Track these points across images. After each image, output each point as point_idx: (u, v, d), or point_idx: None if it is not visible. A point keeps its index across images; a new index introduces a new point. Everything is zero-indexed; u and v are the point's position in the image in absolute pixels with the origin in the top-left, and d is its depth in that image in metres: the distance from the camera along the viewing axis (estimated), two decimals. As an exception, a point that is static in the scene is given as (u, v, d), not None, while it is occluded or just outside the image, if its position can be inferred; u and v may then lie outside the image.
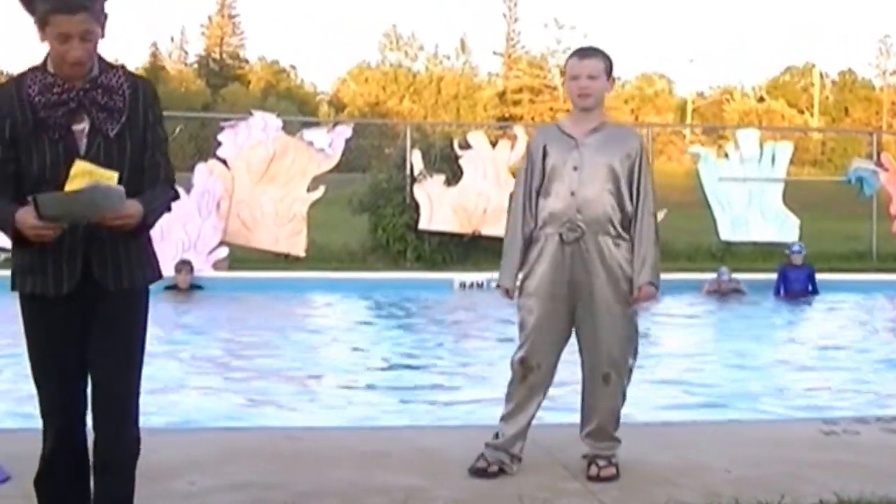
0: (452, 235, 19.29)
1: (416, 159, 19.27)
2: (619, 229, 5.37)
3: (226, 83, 71.67)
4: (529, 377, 5.48)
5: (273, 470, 5.48)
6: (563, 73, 5.84)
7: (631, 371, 5.53)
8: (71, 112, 3.70)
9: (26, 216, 3.55)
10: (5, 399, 8.40)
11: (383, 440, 6.29)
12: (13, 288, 3.86)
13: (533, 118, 68.43)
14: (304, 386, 9.51)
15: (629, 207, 5.39)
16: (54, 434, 3.94)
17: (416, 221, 19.22)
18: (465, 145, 19.50)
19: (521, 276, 5.54)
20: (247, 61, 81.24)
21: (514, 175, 19.43)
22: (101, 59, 3.79)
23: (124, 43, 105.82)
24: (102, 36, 3.74)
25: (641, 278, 5.33)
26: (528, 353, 5.47)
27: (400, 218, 19.55)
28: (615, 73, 5.50)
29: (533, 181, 5.47)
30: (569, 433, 5.84)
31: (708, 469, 5.57)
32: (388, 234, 19.73)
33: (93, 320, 3.84)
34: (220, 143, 18.32)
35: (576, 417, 5.72)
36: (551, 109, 71.85)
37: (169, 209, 3.95)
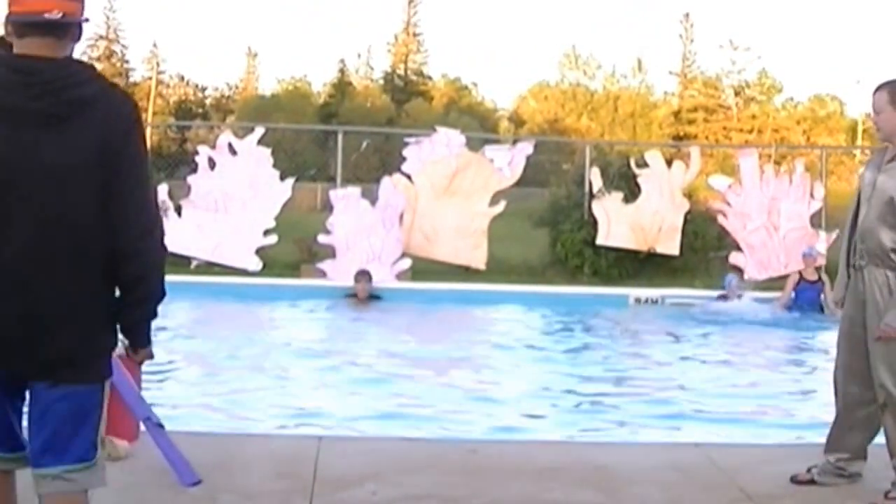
0: (628, 252, 19.20)
1: (594, 177, 19.25)
2: None
3: (409, 98, 72.63)
4: (838, 396, 5.61)
5: (451, 482, 5.59)
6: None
7: None
8: None
9: None
10: (193, 403, 8.57)
11: (557, 454, 6.37)
12: None
13: (707, 137, 67.76)
14: (479, 397, 9.55)
15: None
16: None
17: (594, 237, 19.21)
18: (643, 164, 19.39)
19: None
20: (430, 78, 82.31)
21: (688, 196, 19.38)
22: None
23: (314, 59, 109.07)
24: None
25: (888, 317, 5.24)
26: (834, 373, 5.64)
27: (578, 233, 19.54)
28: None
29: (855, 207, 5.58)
30: (749, 454, 5.80)
31: None
32: (566, 249, 19.73)
33: None
34: (404, 159, 18.62)
35: (757, 437, 5.66)
36: (725, 129, 70.95)
37: None
